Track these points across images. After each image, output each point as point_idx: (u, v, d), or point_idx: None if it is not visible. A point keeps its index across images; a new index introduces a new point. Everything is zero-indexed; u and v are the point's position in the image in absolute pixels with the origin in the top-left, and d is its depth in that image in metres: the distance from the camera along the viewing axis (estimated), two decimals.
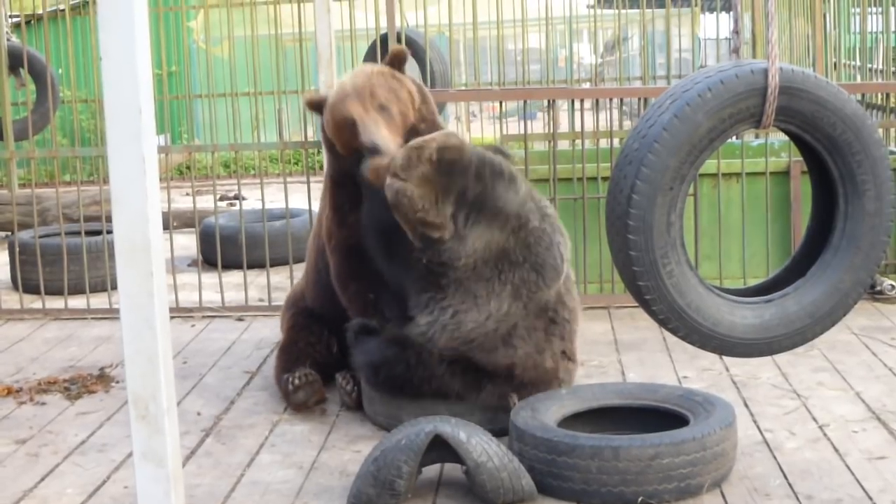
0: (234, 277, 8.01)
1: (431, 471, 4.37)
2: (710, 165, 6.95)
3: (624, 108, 11.49)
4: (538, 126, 11.31)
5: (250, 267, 7.69)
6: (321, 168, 9.99)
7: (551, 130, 7.36)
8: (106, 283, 7.69)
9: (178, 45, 14.30)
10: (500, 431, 4.60)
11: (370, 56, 10.62)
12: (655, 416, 4.55)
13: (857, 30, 10.03)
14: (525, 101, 7.60)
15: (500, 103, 7.69)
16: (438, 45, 12.28)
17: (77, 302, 7.62)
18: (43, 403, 5.64)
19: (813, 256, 4.17)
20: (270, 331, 6.81)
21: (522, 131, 7.53)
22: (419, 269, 4.81)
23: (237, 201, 10.15)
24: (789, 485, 4.31)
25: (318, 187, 6.78)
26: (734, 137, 6.85)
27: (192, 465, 4.73)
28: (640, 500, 4.11)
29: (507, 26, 10.93)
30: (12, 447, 5.03)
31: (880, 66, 9.77)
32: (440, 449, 4.12)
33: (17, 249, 8.15)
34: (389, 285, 5.06)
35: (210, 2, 9.31)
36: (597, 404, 4.68)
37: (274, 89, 11.56)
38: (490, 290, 4.74)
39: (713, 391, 5.22)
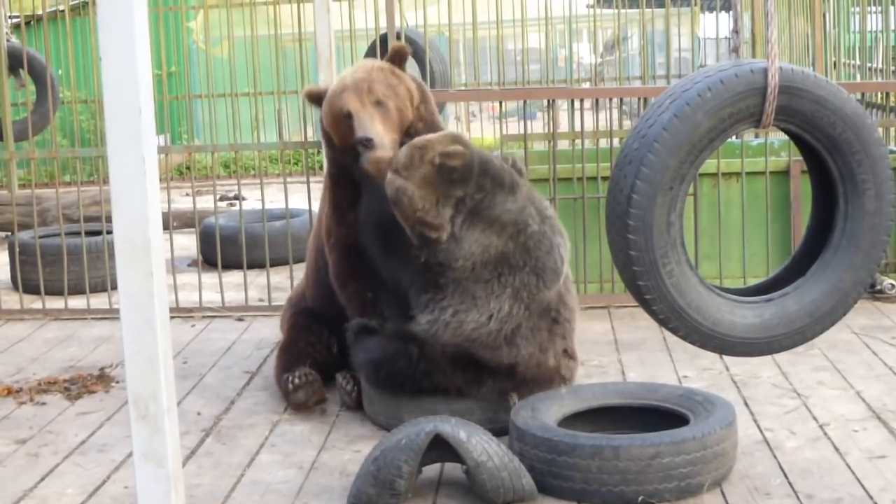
0: (234, 277, 8.01)
1: (432, 470, 4.37)
2: (709, 165, 6.95)
3: (624, 107, 11.51)
4: (538, 126, 11.32)
5: (250, 267, 7.69)
6: (321, 168, 9.99)
7: (551, 130, 7.36)
8: (106, 284, 7.69)
9: (178, 45, 14.30)
10: (500, 431, 4.61)
11: (369, 56, 10.62)
12: (656, 415, 4.55)
13: (857, 29, 10.03)
14: (525, 101, 7.60)
15: (500, 103, 7.69)
16: (438, 44, 12.28)
17: (77, 302, 7.62)
18: (43, 403, 5.64)
19: (813, 256, 4.17)
20: (270, 331, 6.80)
21: (522, 131, 7.52)
22: (417, 267, 4.81)
23: (237, 201, 10.14)
24: (790, 484, 4.31)
25: (317, 187, 6.78)
26: (734, 137, 6.85)
27: (193, 465, 4.73)
28: (640, 499, 4.11)
29: (507, 26, 10.92)
30: (12, 447, 5.03)
31: (880, 65, 9.77)
32: (440, 448, 4.12)
33: (18, 250, 8.15)
34: (388, 284, 5.07)
35: (210, 2, 9.31)
36: (597, 404, 4.68)
37: (274, 89, 11.56)
38: (489, 291, 4.75)
39: (713, 390, 5.22)
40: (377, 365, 4.89)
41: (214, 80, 8.57)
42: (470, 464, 4.10)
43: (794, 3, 11.32)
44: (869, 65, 9.79)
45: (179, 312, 7.34)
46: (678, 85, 3.98)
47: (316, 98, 5.36)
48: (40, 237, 7.97)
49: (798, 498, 4.19)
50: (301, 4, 8.73)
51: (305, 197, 7.65)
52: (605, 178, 6.99)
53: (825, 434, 4.85)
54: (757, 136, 8.07)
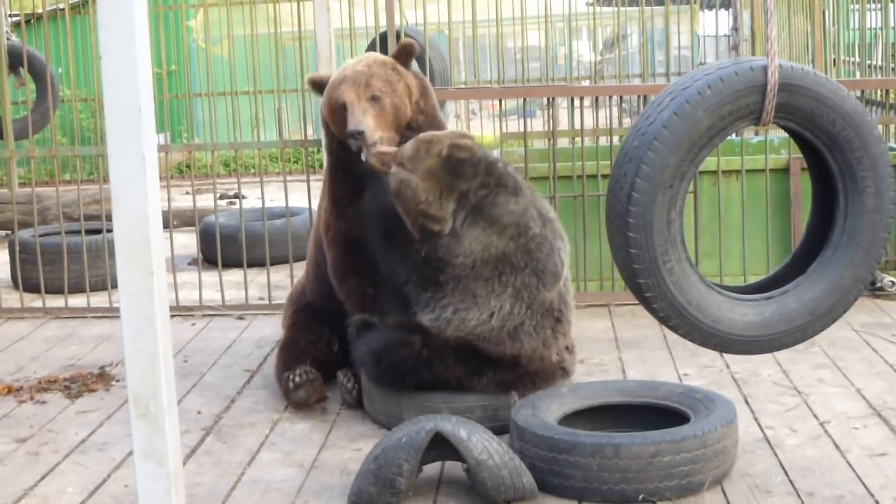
0: (234, 276, 8.01)
1: (432, 469, 4.37)
2: (709, 163, 6.95)
3: (623, 105, 11.49)
4: (538, 124, 11.32)
5: (250, 265, 7.69)
6: (321, 167, 9.99)
7: (551, 128, 7.36)
8: (106, 282, 7.69)
9: (178, 43, 14.29)
10: (500, 429, 4.61)
11: None
12: (656, 413, 4.55)
13: (856, 26, 10.03)
14: (525, 99, 7.59)
15: (500, 101, 7.68)
16: (438, 43, 12.28)
17: (77, 301, 7.62)
18: (43, 402, 5.64)
19: (813, 253, 4.17)
20: (271, 329, 6.81)
21: (522, 129, 7.52)
22: (417, 263, 4.83)
23: (237, 200, 10.15)
24: (790, 482, 4.31)
25: (317, 186, 6.78)
26: (734, 135, 6.86)
27: (193, 464, 4.73)
28: (640, 497, 4.11)
29: (507, 24, 10.91)
30: (13, 446, 5.03)
31: (879, 63, 9.76)
32: (441, 447, 4.12)
33: (18, 248, 8.15)
34: (388, 279, 5.07)
35: (209, 1, 9.29)
36: (597, 402, 4.68)
37: (273, 88, 11.54)
38: (490, 290, 4.78)
39: (714, 388, 5.22)
40: (378, 356, 4.88)
41: (214, 78, 8.57)
42: (470, 462, 4.10)
43: (794, 0, 11.32)
44: (868, 62, 9.78)
45: (180, 311, 7.34)
46: (678, 83, 3.98)
47: (318, 86, 5.41)
48: (40, 236, 7.97)
49: (799, 496, 4.19)
50: (301, 3, 8.72)
51: (305, 195, 7.65)
52: (605, 176, 7.00)
53: (826, 432, 4.85)
54: (757, 133, 8.07)
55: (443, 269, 4.80)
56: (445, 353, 4.79)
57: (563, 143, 8.02)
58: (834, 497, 4.17)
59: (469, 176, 4.74)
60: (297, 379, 5.28)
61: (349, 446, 4.87)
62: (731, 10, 5.77)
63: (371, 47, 10.40)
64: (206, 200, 10.84)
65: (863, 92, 8.83)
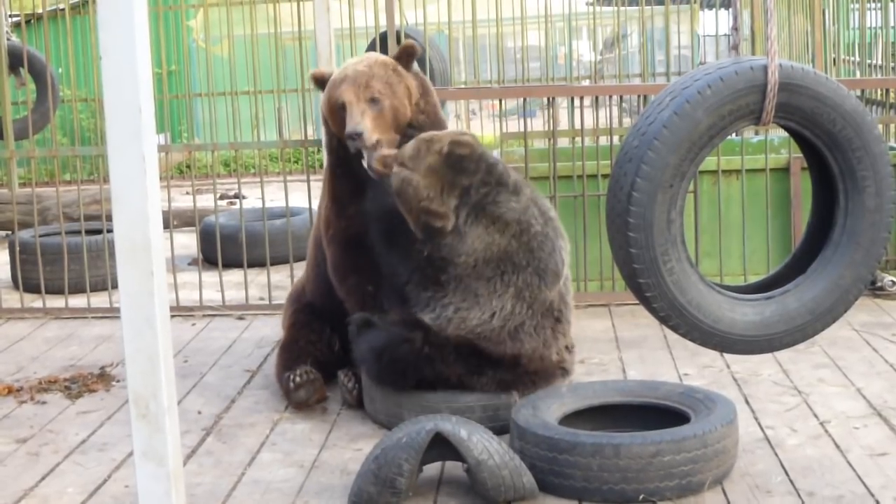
0: (234, 276, 8.01)
1: (432, 469, 4.36)
2: (710, 162, 6.94)
3: (623, 105, 11.49)
4: (538, 124, 11.32)
5: (251, 266, 7.69)
6: (321, 167, 9.99)
7: (551, 128, 7.37)
8: (106, 282, 7.69)
9: (178, 44, 14.29)
10: (500, 429, 4.61)
11: None
12: (656, 413, 4.55)
13: (856, 25, 10.02)
14: (525, 99, 7.59)
15: (500, 101, 7.68)
16: (438, 43, 12.28)
17: (77, 301, 7.62)
18: (43, 402, 5.64)
19: (813, 253, 4.17)
20: (271, 329, 6.80)
21: (522, 129, 7.52)
22: (419, 263, 4.84)
23: (237, 200, 10.15)
24: (791, 481, 4.31)
25: (318, 186, 6.78)
26: (734, 134, 6.86)
27: (193, 464, 4.73)
28: (641, 497, 4.11)
29: (507, 24, 10.91)
30: (13, 446, 5.03)
31: (879, 62, 9.76)
32: (441, 447, 4.12)
33: (18, 248, 8.15)
34: (388, 278, 5.07)
35: (209, 1, 9.29)
36: (598, 402, 4.68)
37: (274, 88, 11.55)
38: (492, 289, 4.79)
39: (714, 388, 5.22)
40: (379, 353, 4.88)
41: (214, 78, 8.57)
42: (471, 462, 4.10)
43: (794, 0, 11.31)
44: (868, 61, 9.78)
45: (180, 311, 7.34)
46: (678, 82, 3.98)
47: (320, 82, 5.41)
48: (41, 236, 7.97)
49: (799, 495, 4.19)
50: (301, 3, 8.73)
51: (305, 195, 7.65)
52: (605, 176, 7.00)
53: (826, 431, 4.85)
54: (757, 133, 8.07)
55: (445, 268, 4.81)
56: (446, 352, 4.79)
57: (563, 142, 8.02)
58: (834, 497, 4.17)
59: (470, 171, 4.76)
60: (298, 379, 5.28)
61: (349, 446, 4.87)
62: (730, 9, 5.77)
63: (371, 47, 10.39)
64: (206, 200, 10.83)
65: (863, 91, 8.83)
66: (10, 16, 11.67)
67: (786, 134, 4.46)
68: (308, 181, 7.62)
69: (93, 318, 7.40)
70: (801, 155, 5.35)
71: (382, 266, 5.10)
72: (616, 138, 7.33)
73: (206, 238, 8.53)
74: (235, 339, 6.73)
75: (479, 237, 4.77)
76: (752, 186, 7.18)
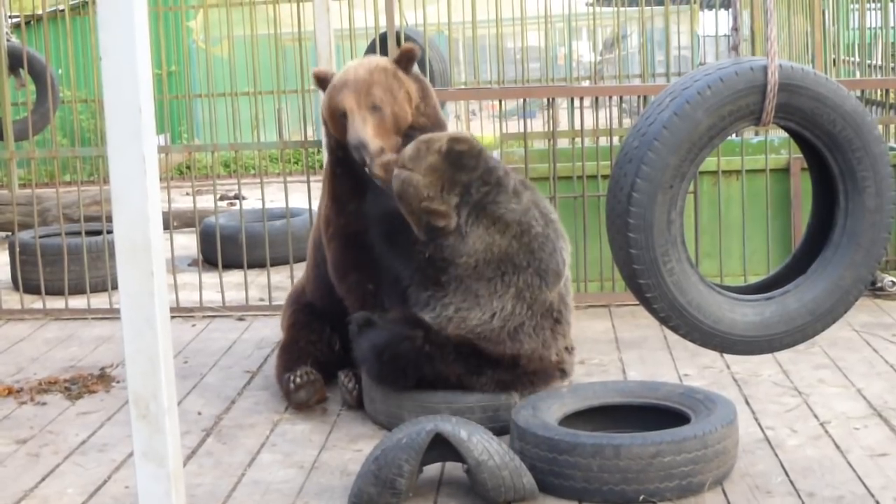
0: (234, 277, 8.01)
1: (433, 469, 4.36)
2: (710, 163, 6.95)
3: (623, 105, 11.49)
4: (538, 124, 11.32)
5: (251, 266, 7.69)
6: (321, 167, 9.99)
7: (551, 129, 7.36)
8: (106, 283, 7.69)
9: (178, 44, 14.29)
10: (501, 430, 4.61)
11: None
12: (656, 414, 4.55)
13: (856, 26, 10.02)
14: (525, 100, 7.59)
15: (500, 102, 7.68)
16: (438, 43, 12.28)
17: (77, 302, 7.62)
18: (43, 403, 5.64)
19: (813, 253, 4.17)
20: (271, 330, 6.80)
21: (522, 130, 7.52)
22: (420, 264, 4.85)
23: (237, 201, 10.14)
24: (791, 482, 4.31)
25: (318, 186, 6.78)
26: (734, 135, 6.86)
27: (193, 465, 4.73)
28: (641, 498, 4.11)
29: (507, 24, 10.92)
30: (13, 447, 5.03)
31: (879, 63, 9.76)
32: (441, 447, 4.12)
33: (18, 249, 8.15)
34: (389, 276, 5.08)
35: (209, 1, 9.30)
36: (598, 403, 4.68)
37: (273, 89, 11.56)
38: (492, 290, 4.80)
39: (714, 389, 5.22)
40: (380, 350, 4.88)
41: (214, 79, 8.57)
42: (471, 463, 4.10)
43: (794, 0, 11.32)
44: (868, 62, 9.78)
45: (180, 312, 7.34)
46: (678, 83, 3.98)
47: (322, 81, 5.40)
48: (41, 237, 7.97)
49: (799, 496, 4.18)
50: (301, 4, 8.74)
51: (306, 196, 7.65)
52: (605, 177, 7.00)
53: (826, 432, 4.85)
54: (757, 133, 8.07)
55: (446, 268, 4.82)
56: (446, 350, 4.80)
57: (563, 143, 8.01)
58: (834, 497, 4.17)
59: (470, 168, 4.77)
60: (298, 380, 5.28)
61: (349, 447, 4.87)
62: (730, 10, 5.78)
63: (371, 48, 10.40)
64: (206, 201, 10.84)
65: (863, 92, 8.83)
66: (10, 17, 11.68)
67: (786, 134, 4.46)
68: (308, 182, 7.62)
69: (93, 318, 7.40)
70: (800, 155, 5.35)
71: (383, 267, 5.11)
72: (616, 139, 7.33)
73: (206, 239, 8.53)
74: (235, 340, 6.73)
75: (481, 238, 4.78)
76: (752, 187, 7.18)
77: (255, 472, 4.63)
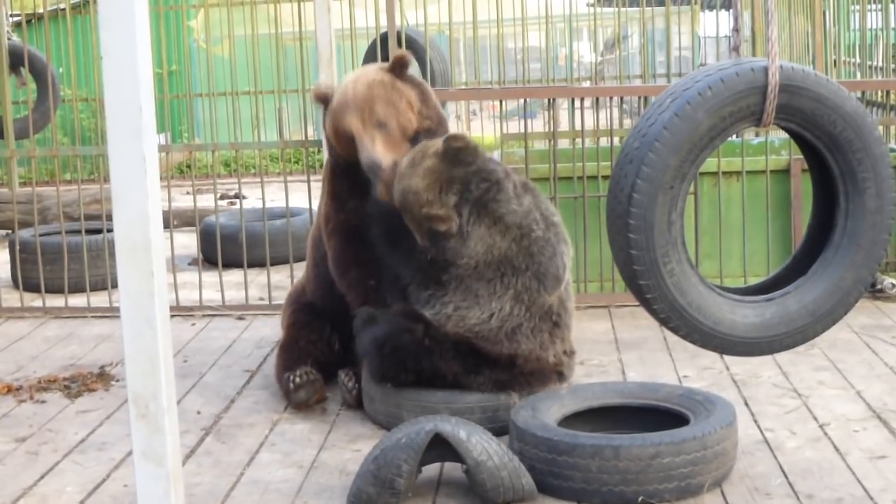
0: (234, 276, 8.01)
1: (432, 469, 4.36)
2: (710, 164, 6.94)
3: (624, 106, 11.49)
4: (538, 125, 11.32)
5: (251, 266, 7.69)
6: (321, 167, 10.00)
7: (551, 129, 7.36)
8: (106, 282, 7.69)
9: (179, 43, 14.29)
10: (500, 430, 4.61)
11: (370, 55, 10.62)
12: (656, 415, 4.55)
13: (857, 27, 10.03)
14: (525, 100, 7.59)
15: (501, 102, 7.68)
16: (438, 43, 12.27)
17: (77, 300, 7.62)
18: (43, 401, 5.64)
19: (814, 255, 4.17)
20: (271, 329, 6.80)
21: (523, 130, 7.52)
22: (421, 264, 4.86)
23: (237, 200, 10.15)
24: (790, 484, 4.31)
25: (318, 186, 6.78)
26: (734, 136, 6.86)
27: (192, 464, 4.73)
28: (640, 499, 4.10)
29: (507, 25, 10.92)
30: (12, 445, 5.03)
31: (880, 64, 9.77)
32: (440, 447, 4.12)
33: (18, 248, 8.15)
34: (390, 272, 5.09)
35: (210, 1, 9.29)
36: (597, 403, 4.68)
37: (274, 88, 11.56)
38: (492, 291, 4.81)
39: (714, 390, 5.22)
40: (381, 343, 4.88)
41: (215, 78, 8.57)
42: (470, 463, 4.10)
43: (794, 1, 11.32)
44: (869, 63, 9.78)
45: (180, 311, 7.34)
46: (679, 83, 3.98)
47: (323, 100, 5.38)
48: (41, 235, 7.97)
49: (798, 498, 4.18)
50: (302, 3, 8.72)
51: (306, 196, 7.65)
52: (605, 177, 7.00)
53: (825, 434, 4.85)
54: (757, 134, 8.06)
55: (447, 269, 4.83)
56: (445, 346, 4.81)
57: (563, 144, 8.01)
58: (833, 499, 4.16)
59: (467, 162, 4.78)
60: (298, 380, 5.28)
61: (349, 447, 4.87)
62: (731, 10, 5.78)
63: (372, 48, 10.40)
64: (206, 200, 10.84)
65: (863, 93, 8.84)
66: (11, 15, 11.67)
67: (786, 135, 4.46)
68: (308, 181, 7.62)
69: (92, 317, 7.40)
70: (801, 156, 5.35)
71: (384, 266, 5.12)
72: (616, 140, 7.34)
73: (207, 238, 8.53)
74: (235, 340, 6.73)
75: (482, 239, 4.78)
76: (752, 188, 7.17)
77: (254, 472, 4.63)
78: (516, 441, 4.35)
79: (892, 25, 9.32)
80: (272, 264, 7.61)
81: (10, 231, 9.41)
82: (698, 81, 3.89)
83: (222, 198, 12.03)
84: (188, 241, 9.55)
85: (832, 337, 5.81)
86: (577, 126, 7.52)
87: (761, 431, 4.89)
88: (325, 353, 5.55)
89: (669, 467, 4.10)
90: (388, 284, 5.14)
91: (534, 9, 11.48)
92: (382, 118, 5.12)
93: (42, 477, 4.64)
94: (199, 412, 5.41)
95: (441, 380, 4.85)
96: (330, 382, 5.41)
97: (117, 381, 5.89)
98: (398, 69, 5.27)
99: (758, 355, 4.23)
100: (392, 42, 7.18)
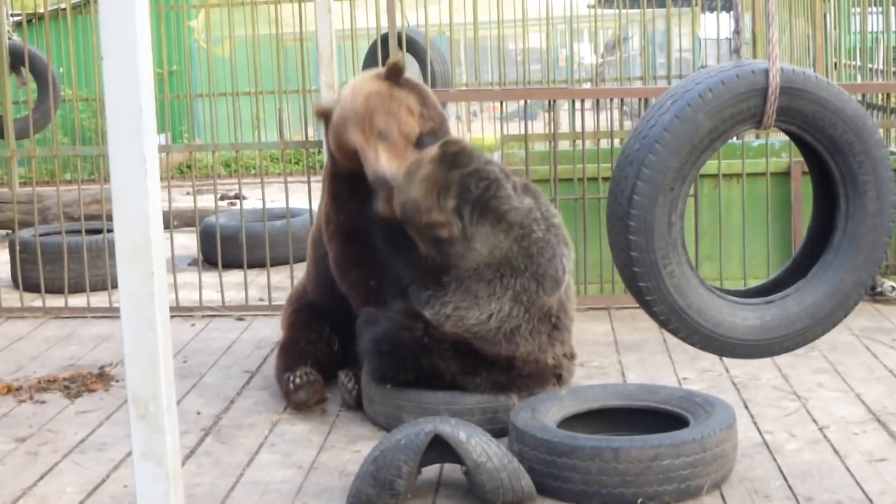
0: (234, 277, 8.01)
1: (431, 471, 4.36)
2: (710, 166, 6.94)
3: (624, 108, 11.49)
4: (539, 126, 11.31)
5: (251, 266, 7.69)
6: (322, 168, 10.00)
7: (552, 131, 7.36)
8: (106, 282, 7.69)
9: (179, 44, 14.29)
10: (499, 432, 4.61)
11: (370, 56, 10.63)
12: (655, 417, 4.55)
13: (858, 30, 10.03)
14: (526, 101, 7.59)
15: (501, 103, 7.68)
16: (439, 44, 12.29)
17: (77, 300, 7.62)
18: (43, 402, 5.63)
19: (814, 257, 4.17)
20: (270, 330, 6.80)
21: (523, 131, 7.52)
22: (422, 264, 4.86)
23: (238, 201, 10.15)
24: (789, 486, 4.31)
25: (318, 187, 6.78)
26: (735, 138, 6.85)
27: (192, 465, 4.73)
28: (639, 501, 4.10)
29: (508, 26, 10.92)
30: (12, 445, 5.03)
31: (881, 66, 9.77)
32: (440, 449, 4.12)
33: (18, 248, 8.15)
34: (391, 273, 5.09)
35: (211, 1, 9.30)
36: (597, 405, 4.68)
37: (275, 89, 11.57)
38: (491, 292, 4.81)
39: (713, 392, 5.22)
40: (380, 341, 4.89)
41: (215, 79, 8.57)
42: (469, 464, 4.10)
43: (795, 4, 11.32)
44: (870, 66, 9.79)
45: (180, 311, 7.34)
46: (679, 86, 3.98)
47: (326, 116, 5.38)
48: (41, 235, 7.97)
49: (797, 500, 4.18)
50: (302, 4, 8.73)
51: (306, 196, 7.64)
52: (605, 179, 7.00)
53: (825, 437, 4.85)
54: (758, 137, 8.07)
55: (447, 271, 4.83)
56: (444, 346, 4.81)
57: (563, 145, 8.01)
58: (833, 502, 4.16)
59: (464, 164, 4.77)
60: (298, 380, 5.28)
61: (348, 448, 4.87)
62: (732, 12, 5.78)
63: (372, 48, 10.41)
64: (206, 201, 10.84)
65: (864, 95, 8.82)
66: (12, 15, 11.68)
67: (787, 138, 4.46)
68: (309, 182, 7.62)
69: (92, 317, 7.40)
70: (801, 159, 5.35)
71: (385, 267, 5.12)
72: (617, 141, 7.33)
73: (207, 238, 8.53)
74: (235, 340, 6.73)
75: (486, 238, 4.78)
76: (752, 190, 7.17)
77: (253, 472, 4.63)
78: (516, 442, 4.35)
79: (893, 28, 9.32)
80: (272, 265, 7.61)
81: (10, 231, 9.41)
82: (699, 83, 3.89)
83: (222, 198, 12.03)
84: (188, 242, 9.55)
85: (832, 339, 5.81)
86: (578, 128, 7.51)
87: (761, 434, 4.89)
88: (325, 353, 5.55)
89: (669, 469, 4.10)
90: (390, 285, 5.14)
91: (534, 10, 11.47)
92: (384, 129, 5.11)
93: (42, 477, 4.64)
94: (198, 413, 5.41)
95: (440, 380, 4.85)
96: (330, 383, 5.41)
97: (117, 381, 5.89)
98: (394, 76, 5.26)
99: (757, 358, 4.23)
100: (393, 43, 7.18)
